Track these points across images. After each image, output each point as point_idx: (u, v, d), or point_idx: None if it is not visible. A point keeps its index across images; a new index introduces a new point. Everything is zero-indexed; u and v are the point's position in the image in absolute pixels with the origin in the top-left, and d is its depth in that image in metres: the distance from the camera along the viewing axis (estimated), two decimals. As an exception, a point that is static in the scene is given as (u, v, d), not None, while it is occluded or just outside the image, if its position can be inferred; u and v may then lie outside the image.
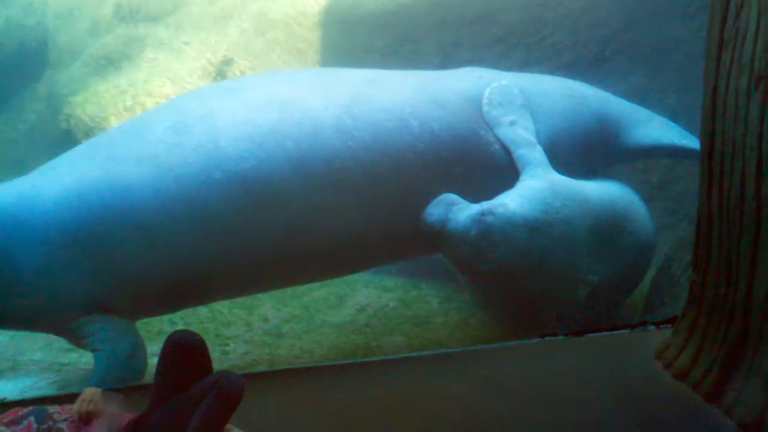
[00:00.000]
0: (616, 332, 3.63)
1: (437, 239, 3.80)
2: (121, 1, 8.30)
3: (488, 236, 3.73)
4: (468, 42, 6.07)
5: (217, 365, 3.88)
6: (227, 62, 7.33)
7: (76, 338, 3.78)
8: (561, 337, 3.60)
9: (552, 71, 4.79)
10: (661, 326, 3.54)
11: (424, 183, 3.84)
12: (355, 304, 4.99)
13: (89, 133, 6.65)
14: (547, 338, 3.63)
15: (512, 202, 3.83)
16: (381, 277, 5.02)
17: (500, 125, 4.09)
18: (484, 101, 4.14)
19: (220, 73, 7.30)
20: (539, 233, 3.81)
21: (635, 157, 4.80)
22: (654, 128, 4.68)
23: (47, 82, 8.08)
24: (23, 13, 8.59)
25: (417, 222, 3.80)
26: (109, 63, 7.58)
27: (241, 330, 4.65)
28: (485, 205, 3.79)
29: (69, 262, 3.57)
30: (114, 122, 6.59)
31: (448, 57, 5.97)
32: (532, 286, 3.89)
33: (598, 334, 3.61)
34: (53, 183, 3.68)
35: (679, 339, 3.10)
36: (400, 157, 3.81)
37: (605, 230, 4.04)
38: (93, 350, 3.66)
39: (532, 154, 4.04)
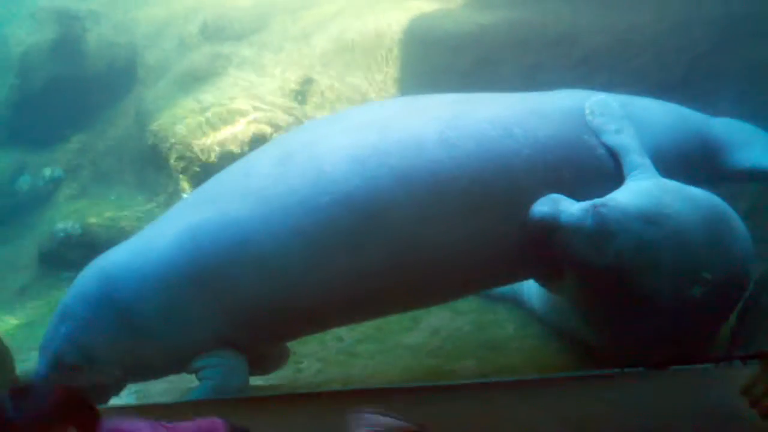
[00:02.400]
0: (699, 366, 3.52)
1: (545, 236, 3.67)
2: (207, 20, 8.54)
3: (604, 226, 3.62)
4: (549, 64, 6.00)
5: (291, 382, 3.95)
6: (307, 81, 7.44)
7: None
8: (641, 369, 3.50)
9: (636, 95, 4.69)
10: (748, 362, 3.41)
11: (532, 188, 3.74)
12: (429, 327, 4.96)
13: (174, 148, 6.84)
14: (626, 369, 3.54)
15: (623, 197, 3.75)
16: (455, 302, 4.98)
17: (606, 132, 3.99)
18: (587, 112, 4.05)
19: (301, 92, 7.41)
20: (654, 225, 3.68)
21: (736, 178, 4.66)
22: (756, 151, 4.53)
23: (135, 99, 8.34)
24: (114, 31, 8.91)
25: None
26: (195, 80, 7.79)
27: (316, 348, 4.68)
28: (596, 200, 3.71)
29: (188, 302, 3.69)
30: (198, 138, 6.75)
31: (528, 78, 5.91)
32: (647, 283, 3.73)
33: (681, 367, 3.50)
34: (165, 231, 3.84)
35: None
36: (505, 163, 3.73)
37: (716, 228, 3.85)
38: (201, 379, 3.76)
39: (640, 159, 3.95)
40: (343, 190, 3.60)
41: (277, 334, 3.94)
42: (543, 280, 4.12)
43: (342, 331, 4.87)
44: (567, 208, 3.67)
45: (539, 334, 4.74)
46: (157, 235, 3.88)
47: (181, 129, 6.93)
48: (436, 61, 6.56)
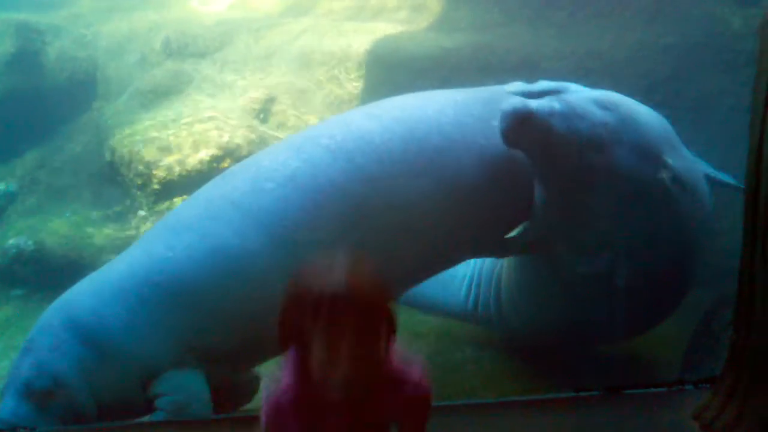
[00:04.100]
0: (652, 390, 3.54)
1: (519, 130, 3.71)
2: (170, 36, 8.49)
3: (572, 108, 3.75)
4: (510, 88, 6.07)
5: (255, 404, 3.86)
6: (270, 100, 7.42)
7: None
8: (596, 392, 3.52)
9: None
10: (700, 386, 3.44)
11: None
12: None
13: (132, 165, 6.76)
14: (581, 393, 3.55)
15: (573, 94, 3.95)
16: (414, 323, 4.96)
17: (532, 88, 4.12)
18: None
19: (263, 110, 7.39)
20: (609, 110, 3.83)
21: None
22: None
23: (94, 114, 8.24)
24: (75, 45, 8.81)
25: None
26: (156, 97, 7.72)
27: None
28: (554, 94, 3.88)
29: (148, 316, 3.67)
30: (157, 156, 6.68)
31: (489, 102, 5.97)
32: (619, 162, 3.83)
33: (634, 391, 3.52)
34: (123, 256, 3.95)
35: (719, 399, 3.00)
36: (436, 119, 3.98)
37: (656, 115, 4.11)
38: (157, 407, 3.69)
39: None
40: (285, 174, 3.72)
41: (246, 350, 3.87)
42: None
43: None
44: (533, 100, 3.76)
45: (497, 357, 4.75)
46: (116, 260, 3.94)
47: (140, 146, 6.85)
48: (399, 82, 6.58)
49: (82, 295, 3.82)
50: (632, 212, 3.94)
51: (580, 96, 3.89)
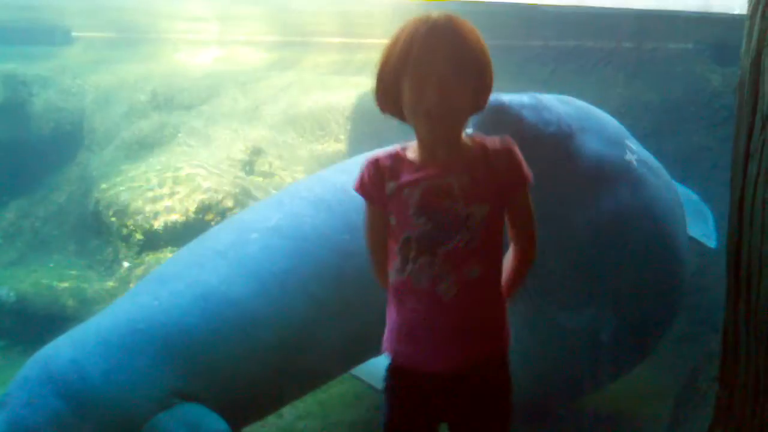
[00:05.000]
0: (639, 446, 3.52)
1: (497, 123, 3.65)
2: (157, 88, 8.55)
3: (540, 100, 3.85)
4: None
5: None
6: (256, 152, 7.46)
7: None
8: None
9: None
10: (687, 442, 3.43)
11: None
12: (372, 403, 4.90)
13: (116, 216, 6.73)
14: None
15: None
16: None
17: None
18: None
19: (250, 162, 7.42)
20: (566, 104, 4.03)
21: None
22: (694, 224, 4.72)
23: (80, 164, 8.24)
24: (61, 96, 8.83)
25: None
26: (141, 148, 7.74)
27: (255, 426, 4.56)
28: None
29: (128, 364, 3.61)
30: (143, 207, 6.66)
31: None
32: (588, 150, 3.92)
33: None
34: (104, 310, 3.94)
35: (705, 456, 2.99)
36: None
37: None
38: None
39: None
40: (269, 226, 3.77)
41: (232, 401, 3.81)
42: None
43: (284, 407, 4.77)
44: (506, 94, 3.82)
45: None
46: (99, 314, 3.90)
47: (125, 197, 6.84)
48: (384, 136, 6.61)
49: (61, 347, 3.75)
50: (607, 201, 4.03)
51: (544, 94, 4.03)
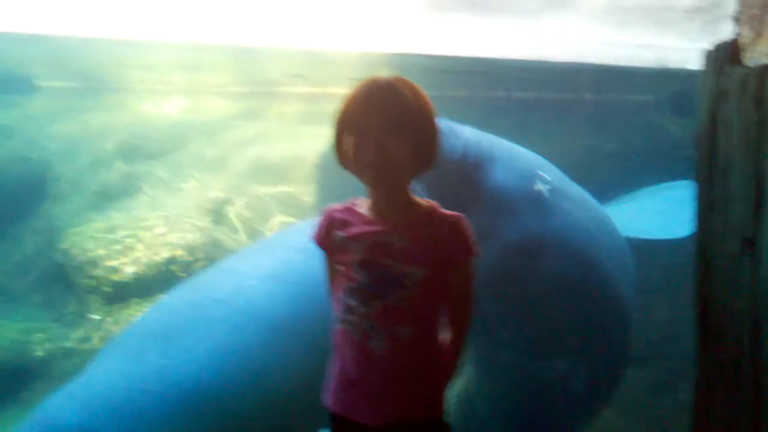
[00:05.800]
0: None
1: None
2: (123, 138, 8.52)
3: (451, 127, 3.92)
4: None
5: None
6: (223, 202, 7.45)
7: None
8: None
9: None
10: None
11: None
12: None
13: (83, 268, 6.66)
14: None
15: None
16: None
17: None
18: None
19: (216, 211, 7.40)
20: (480, 134, 4.11)
21: None
22: None
23: (45, 215, 8.14)
24: (26, 146, 8.75)
25: None
26: (107, 199, 7.69)
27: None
28: None
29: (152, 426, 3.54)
30: (109, 258, 6.60)
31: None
32: (496, 177, 3.98)
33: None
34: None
35: (679, 505, 3.01)
36: None
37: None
38: None
39: None
40: (264, 273, 3.85)
41: None
42: None
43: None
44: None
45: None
46: (93, 371, 3.81)
47: (91, 248, 6.78)
48: (352, 186, 6.67)
49: (64, 410, 3.60)
50: (511, 230, 4.04)
51: (458, 124, 4.08)
